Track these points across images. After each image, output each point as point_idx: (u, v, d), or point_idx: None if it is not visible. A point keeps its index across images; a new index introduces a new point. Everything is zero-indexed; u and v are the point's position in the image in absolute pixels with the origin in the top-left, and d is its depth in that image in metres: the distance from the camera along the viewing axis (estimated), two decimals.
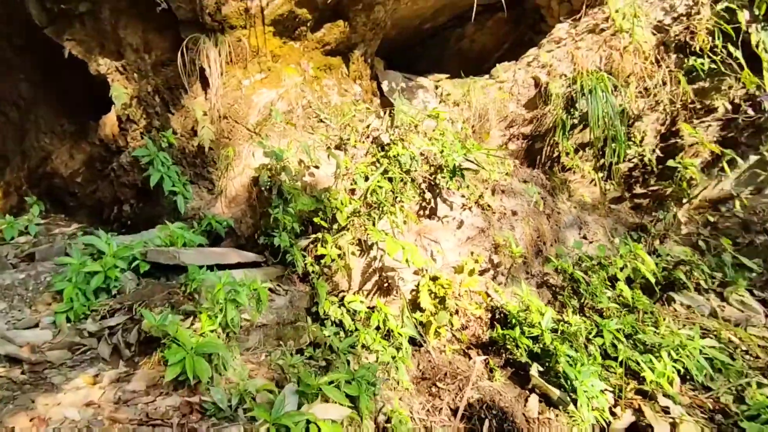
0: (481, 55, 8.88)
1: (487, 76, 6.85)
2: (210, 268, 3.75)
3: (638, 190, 6.32)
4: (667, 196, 6.16)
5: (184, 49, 4.68)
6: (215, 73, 4.81)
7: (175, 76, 5.04)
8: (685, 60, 5.47)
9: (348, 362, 3.79)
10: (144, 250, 3.83)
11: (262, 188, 4.60)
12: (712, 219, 5.86)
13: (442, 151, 4.40)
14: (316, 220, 4.25)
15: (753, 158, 6.10)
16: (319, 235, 4.34)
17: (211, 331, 3.06)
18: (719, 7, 5.31)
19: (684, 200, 6.07)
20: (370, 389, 2.87)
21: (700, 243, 5.62)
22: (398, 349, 3.78)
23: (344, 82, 6.08)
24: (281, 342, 4.07)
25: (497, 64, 6.79)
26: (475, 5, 6.07)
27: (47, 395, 2.43)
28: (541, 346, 3.76)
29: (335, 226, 4.38)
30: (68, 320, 3.42)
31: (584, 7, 6.40)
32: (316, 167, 4.65)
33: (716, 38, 5.17)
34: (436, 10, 7.72)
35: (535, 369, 3.57)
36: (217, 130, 5.05)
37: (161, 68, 5.13)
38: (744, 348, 4.16)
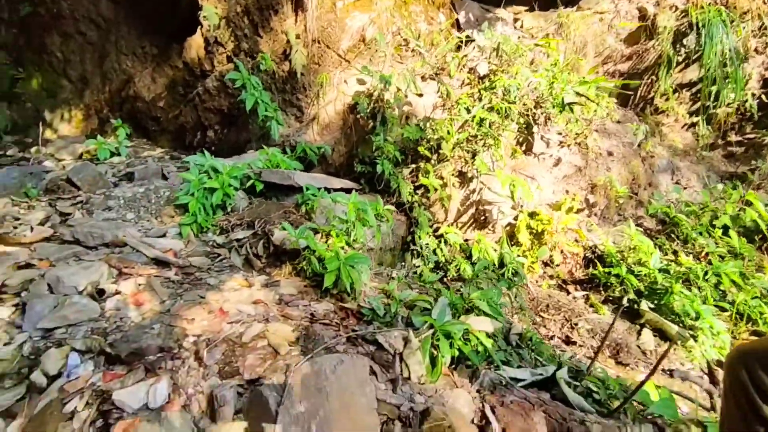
0: None
1: (572, 8, 6.39)
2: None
3: (733, 137, 5.98)
4: (764, 146, 5.83)
5: None
6: None
7: None
8: None
9: (440, 292, 3.88)
10: (257, 170, 3.88)
11: (360, 115, 4.53)
12: None
13: (551, 83, 4.19)
14: (420, 149, 4.19)
15: None
16: (421, 164, 4.30)
17: (341, 248, 3.13)
18: None
19: None
20: (498, 309, 2.94)
21: None
22: (511, 278, 3.83)
23: (430, 10, 5.77)
24: (381, 266, 4.18)
25: None
26: None
27: (214, 293, 2.56)
28: (649, 284, 3.75)
29: (435, 157, 4.32)
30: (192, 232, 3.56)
31: None
32: (420, 95, 4.52)
33: None
34: None
35: (645, 305, 3.59)
36: (309, 54, 4.92)
37: None
38: None
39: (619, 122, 5.40)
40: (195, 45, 5.44)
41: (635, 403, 2.33)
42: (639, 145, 5.23)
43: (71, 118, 6.50)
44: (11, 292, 2.36)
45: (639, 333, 3.47)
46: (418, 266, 4.35)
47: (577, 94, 4.22)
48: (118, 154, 5.38)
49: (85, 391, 1.83)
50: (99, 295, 2.42)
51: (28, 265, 2.59)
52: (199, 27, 5.35)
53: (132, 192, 3.94)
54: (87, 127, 6.69)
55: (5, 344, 2.06)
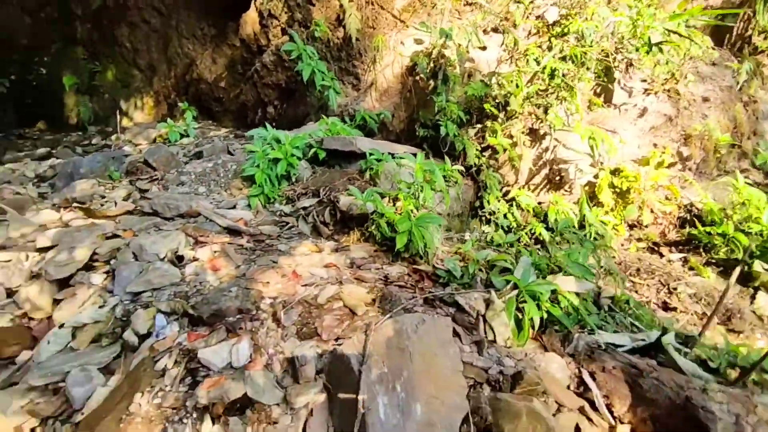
0: None
1: None
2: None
3: None
4: None
5: None
6: None
7: None
8: None
9: (519, 252, 3.64)
10: (318, 139, 3.82)
11: (419, 76, 4.31)
12: None
13: (635, 21, 3.71)
14: (486, 107, 3.91)
15: None
16: (487, 123, 4.02)
17: (410, 211, 2.99)
18: None
19: None
20: (589, 269, 2.67)
21: None
22: (595, 240, 3.52)
23: None
24: (450, 232, 4.00)
25: None
26: None
27: (285, 258, 2.54)
28: (762, 243, 3.28)
29: (503, 115, 4.02)
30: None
31: None
32: (483, 48, 4.21)
33: None
34: None
35: (759, 266, 3.14)
36: (362, 17, 4.74)
37: None
38: None
39: (714, 64, 4.73)
40: (250, 20, 5.46)
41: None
42: (740, 89, 4.57)
43: (143, 106, 6.85)
44: (102, 260, 2.48)
45: (753, 297, 3.04)
46: (488, 232, 4.13)
47: (667, 31, 3.70)
48: (187, 136, 5.57)
49: (173, 349, 1.86)
50: (178, 261, 2.47)
51: (115, 236, 2.71)
52: (253, 1, 5.34)
53: (202, 167, 4.05)
54: (158, 112, 7.03)
55: (100, 307, 2.16)
